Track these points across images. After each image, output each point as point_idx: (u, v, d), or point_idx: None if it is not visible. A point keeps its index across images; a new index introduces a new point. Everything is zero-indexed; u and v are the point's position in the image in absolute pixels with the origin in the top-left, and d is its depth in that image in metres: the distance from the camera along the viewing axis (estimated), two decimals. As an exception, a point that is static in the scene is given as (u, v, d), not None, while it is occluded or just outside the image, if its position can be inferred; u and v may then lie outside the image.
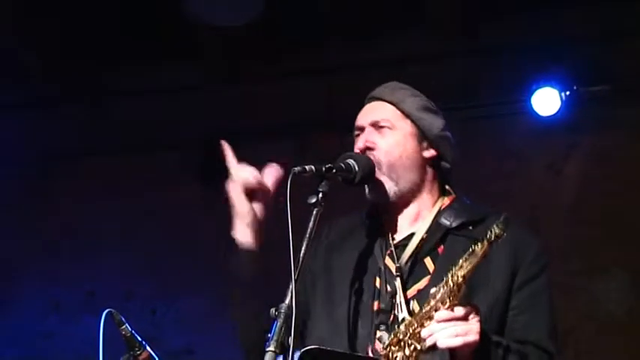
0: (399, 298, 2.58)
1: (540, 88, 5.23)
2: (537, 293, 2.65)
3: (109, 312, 2.80)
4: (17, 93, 6.03)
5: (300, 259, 2.42)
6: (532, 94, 5.25)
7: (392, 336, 2.45)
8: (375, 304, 2.60)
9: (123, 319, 2.83)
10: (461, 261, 2.43)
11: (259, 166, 2.76)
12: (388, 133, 2.71)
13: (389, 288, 2.61)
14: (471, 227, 2.66)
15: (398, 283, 2.59)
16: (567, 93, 5.22)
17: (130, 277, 5.96)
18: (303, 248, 2.45)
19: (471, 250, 2.43)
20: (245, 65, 5.87)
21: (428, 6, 5.40)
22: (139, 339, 2.85)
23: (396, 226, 2.73)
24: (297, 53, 5.76)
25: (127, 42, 5.68)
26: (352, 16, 5.50)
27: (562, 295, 5.26)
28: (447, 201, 2.74)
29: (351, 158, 2.64)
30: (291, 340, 2.31)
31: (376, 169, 2.67)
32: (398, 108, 2.74)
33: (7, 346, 6.10)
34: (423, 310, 2.43)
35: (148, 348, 2.86)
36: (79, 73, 5.98)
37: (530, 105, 5.26)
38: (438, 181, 2.77)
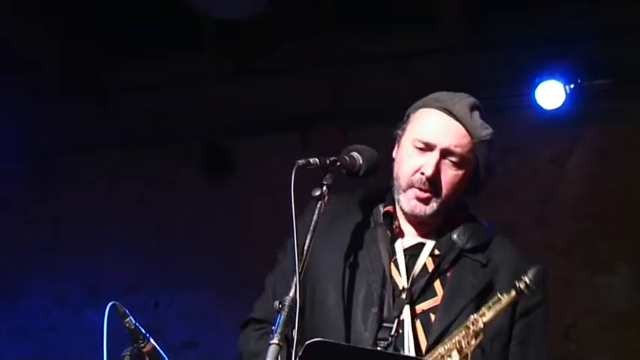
0: (407, 321, 2.54)
1: (544, 81, 5.22)
2: (534, 326, 2.62)
3: (112, 305, 2.80)
4: (19, 87, 6.03)
5: (305, 252, 2.41)
6: (536, 87, 5.24)
7: None
8: (381, 315, 2.56)
9: (127, 311, 2.83)
10: (484, 308, 2.43)
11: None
12: (454, 173, 2.63)
13: (394, 302, 2.57)
14: (481, 252, 2.64)
15: (407, 309, 2.55)
16: (572, 86, 5.21)
17: (132, 270, 5.96)
18: (307, 241, 2.44)
19: (496, 298, 2.43)
20: (248, 59, 5.87)
21: (433, 0, 5.39)
22: (143, 331, 2.85)
23: (406, 231, 2.69)
24: (300, 47, 5.75)
25: (129, 36, 5.68)
26: (355, 10, 5.49)
27: (566, 290, 5.28)
28: (460, 216, 2.71)
29: (355, 151, 2.61)
30: (294, 333, 2.30)
31: (431, 195, 2.61)
32: (474, 144, 2.65)
33: (12, 340, 6.11)
34: (436, 353, 2.43)
35: (152, 340, 2.86)
36: (81, 67, 5.98)
37: (535, 98, 5.25)
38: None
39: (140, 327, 2.84)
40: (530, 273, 2.41)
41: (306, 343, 2.26)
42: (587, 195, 5.39)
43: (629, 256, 5.29)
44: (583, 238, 5.38)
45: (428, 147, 2.63)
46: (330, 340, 2.39)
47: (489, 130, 2.70)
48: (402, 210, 2.66)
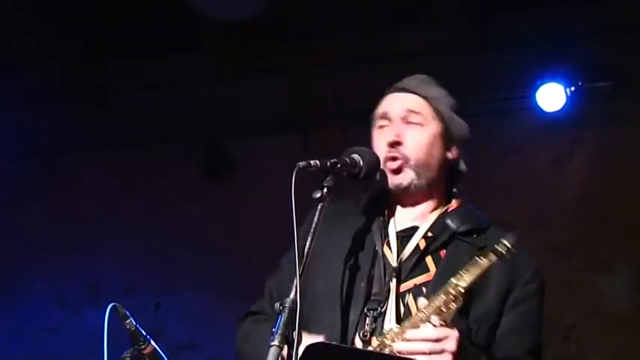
0: (392, 295, 2.56)
1: (545, 83, 5.23)
2: (530, 313, 2.62)
3: (113, 306, 2.81)
4: (19, 87, 6.02)
5: (305, 254, 2.41)
6: (537, 89, 5.25)
7: (381, 338, 2.46)
8: (369, 289, 2.59)
9: (127, 313, 2.83)
10: (462, 272, 2.44)
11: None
12: (418, 130, 2.67)
13: (386, 278, 2.59)
14: (475, 235, 2.65)
15: (394, 282, 2.57)
16: (572, 89, 5.21)
17: (133, 271, 5.96)
18: (307, 243, 2.43)
19: (473, 260, 2.44)
20: (248, 59, 5.87)
21: (433, 1, 5.39)
22: (144, 333, 2.85)
23: (399, 216, 2.71)
24: (301, 47, 5.75)
25: (129, 36, 5.68)
26: (356, 10, 5.49)
27: (566, 291, 5.28)
28: (454, 204, 2.73)
29: (355, 153, 2.61)
30: (295, 335, 2.30)
31: (402, 161, 2.64)
32: (431, 105, 2.70)
33: (12, 341, 6.11)
34: (416, 318, 2.43)
35: (153, 342, 2.86)
36: (81, 67, 5.98)
37: (535, 101, 5.26)
38: (449, 181, 2.76)
39: (140, 329, 2.84)
40: (511, 237, 2.43)
41: (306, 345, 2.27)
42: (587, 196, 5.39)
43: (629, 256, 5.30)
44: (583, 239, 5.38)
45: (386, 119, 2.70)
46: (330, 342, 2.40)
47: (444, 91, 2.75)
48: (390, 191, 2.69)
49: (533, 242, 5.23)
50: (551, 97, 5.22)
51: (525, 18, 5.40)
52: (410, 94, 2.72)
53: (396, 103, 2.72)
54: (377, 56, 5.56)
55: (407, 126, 2.68)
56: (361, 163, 2.59)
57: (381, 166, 2.65)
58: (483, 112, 5.44)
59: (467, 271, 2.43)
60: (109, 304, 2.81)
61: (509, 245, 2.42)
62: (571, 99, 5.23)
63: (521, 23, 5.40)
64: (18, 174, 6.18)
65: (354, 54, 5.66)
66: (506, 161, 5.48)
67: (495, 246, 2.43)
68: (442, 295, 2.42)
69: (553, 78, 5.20)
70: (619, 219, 5.30)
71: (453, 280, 2.43)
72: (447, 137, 2.70)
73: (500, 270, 2.58)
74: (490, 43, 5.48)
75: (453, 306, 2.41)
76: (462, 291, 2.41)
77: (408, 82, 2.75)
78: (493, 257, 2.42)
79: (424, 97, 2.70)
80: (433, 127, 2.69)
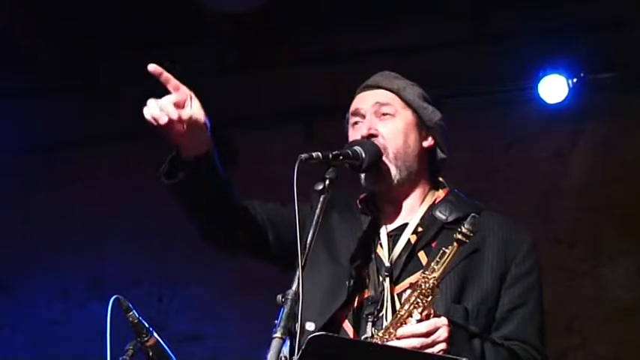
0: (387, 294, 2.57)
1: (547, 75, 5.22)
2: (528, 291, 2.64)
3: (116, 298, 2.81)
4: (18, 80, 6.02)
5: (307, 246, 2.42)
6: (539, 81, 5.24)
7: (371, 339, 2.48)
8: (365, 292, 2.60)
9: (130, 305, 2.84)
10: (432, 264, 2.46)
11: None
12: (390, 121, 2.71)
13: (380, 279, 2.60)
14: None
15: (387, 282, 2.58)
16: (574, 80, 5.21)
17: (136, 264, 5.96)
18: (310, 235, 2.44)
19: (441, 252, 2.46)
20: (251, 52, 5.86)
21: (435, -7, 5.40)
22: (147, 325, 2.86)
23: (389, 215, 2.73)
24: (303, 40, 5.75)
25: (130, 27, 5.67)
26: (358, 3, 5.49)
27: (569, 282, 5.28)
28: (441, 194, 2.75)
29: (357, 145, 2.63)
30: (297, 327, 2.30)
31: (383, 155, 2.67)
32: (399, 96, 2.74)
33: (14, 334, 6.12)
34: (397, 316, 2.45)
35: (155, 334, 2.87)
36: (81, 60, 5.97)
37: (537, 92, 5.25)
38: (431, 171, 2.78)
39: (143, 321, 2.85)
40: (467, 222, 2.44)
41: (309, 336, 2.27)
42: (589, 188, 5.39)
43: (632, 247, 5.30)
44: (586, 230, 5.38)
45: (359, 115, 2.75)
46: (333, 334, 2.40)
47: (411, 82, 2.79)
48: (376, 191, 2.72)
49: (535, 233, 5.23)
50: (554, 88, 5.22)
51: (527, 9, 5.39)
52: (378, 90, 2.77)
53: (366, 100, 2.76)
54: (380, 49, 5.56)
55: (379, 119, 2.72)
56: (363, 155, 2.61)
57: None
58: (485, 103, 5.45)
59: (437, 263, 2.45)
60: (112, 297, 2.82)
61: (466, 231, 2.43)
62: (573, 90, 5.22)
63: (522, 15, 5.40)
64: (19, 169, 6.18)
65: (356, 47, 5.66)
66: (509, 153, 5.48)
67: (455, 235, 2.45)
68: (416, 290, 2.45)
69: (555, 69, 5.19)
70: (621, 210, 5.30)
71: (424, 273, 2.46)
72: (420, 125, 2.74)
73: (493, 249, 2.62)
74: (492, 35, 5.47)
75: (431, 298, 2.44)
76: (436, 283, 2.44)
77: (374, 78, 2.81)
78: (456, 245, 2.45)
79: (391, 90, 2.75)
80: (405, 117, 2.73)
